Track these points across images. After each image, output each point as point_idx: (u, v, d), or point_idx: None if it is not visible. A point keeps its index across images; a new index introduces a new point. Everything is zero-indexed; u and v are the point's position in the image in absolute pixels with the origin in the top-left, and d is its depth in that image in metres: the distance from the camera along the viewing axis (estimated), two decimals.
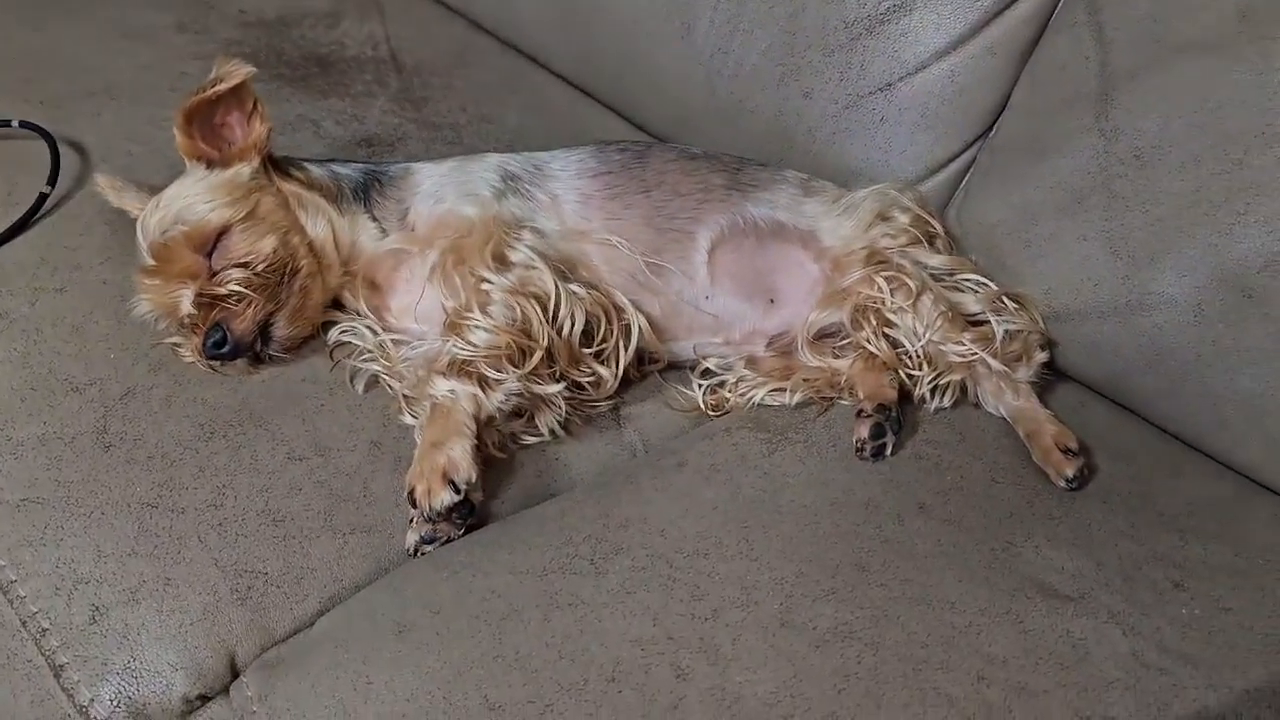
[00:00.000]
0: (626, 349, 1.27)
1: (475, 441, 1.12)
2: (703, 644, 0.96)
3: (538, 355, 1.19)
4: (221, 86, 1.21)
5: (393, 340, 1.27)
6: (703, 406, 1.33)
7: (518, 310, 1.19)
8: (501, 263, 1.22)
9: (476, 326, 1.18)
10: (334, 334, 1.29)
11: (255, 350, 1.22)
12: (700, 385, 1.34)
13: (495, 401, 1.16)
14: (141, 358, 1.22)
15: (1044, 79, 1.39)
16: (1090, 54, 1.31)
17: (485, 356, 1.17)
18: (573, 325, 1.22)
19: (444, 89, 1.80)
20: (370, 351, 1.27)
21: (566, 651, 0.95)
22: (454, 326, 1.19)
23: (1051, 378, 1.34)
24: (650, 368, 1.34)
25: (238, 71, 1.21)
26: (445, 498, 1.08)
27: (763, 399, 1.30)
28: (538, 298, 1.20)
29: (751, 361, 1.36)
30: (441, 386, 1.15)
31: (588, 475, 1.26)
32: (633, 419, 1.32)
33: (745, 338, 1.37)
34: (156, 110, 1.55)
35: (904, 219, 1.38)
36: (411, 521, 1.13)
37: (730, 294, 1.35)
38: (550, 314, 1.21)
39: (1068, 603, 1.03)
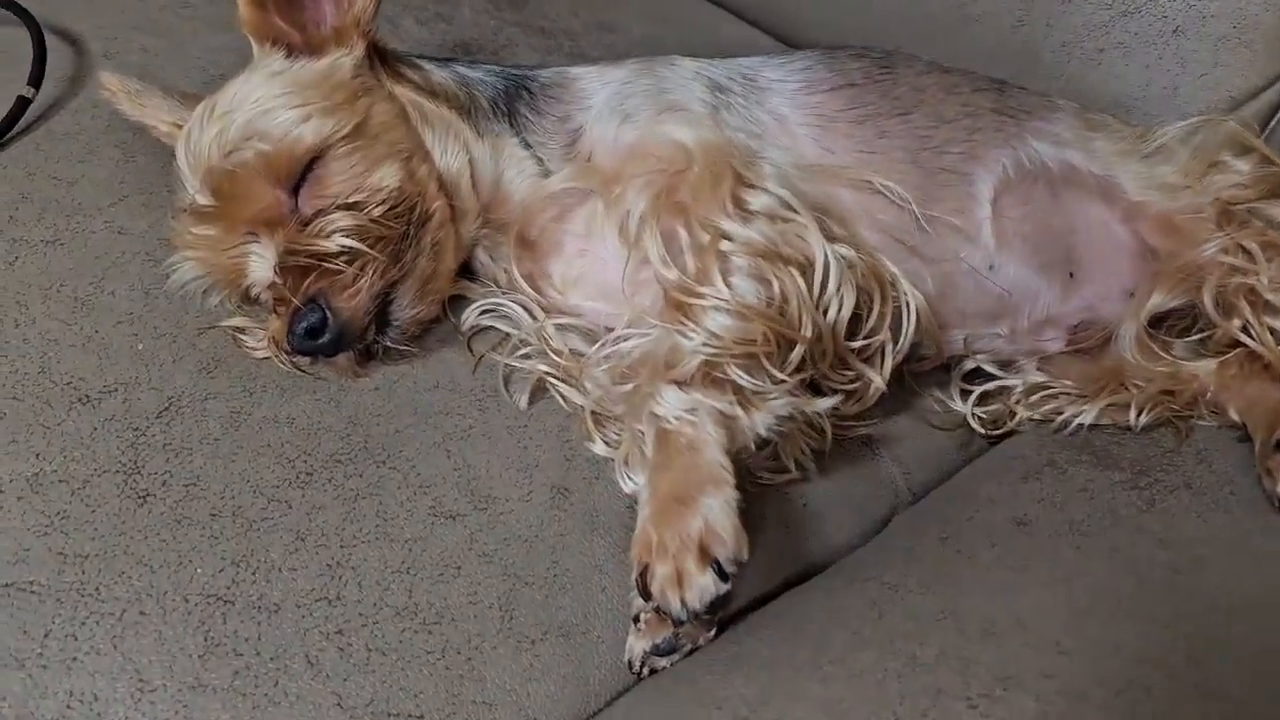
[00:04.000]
0: (899, 341, 0.86)
1: (739, 493, 0.71)
2: None
3: (799, 351, 0.78)
4: None
5: (557, 326, 0.85)
6: (973, 423, 0.95)
7: (774, 282, 0.77)
8: (742, 210, 0.80)
9: (717, 307, 0.76)
10: (471, 315, 0.87)
11: (366, 339, 0.79)
12: (967, 393, 0.96)
13: (761, 426, 0.75)
14: (186, 350, 0.80)
15: None
16: None
17: (737, 355, 0.75)
18: (840, 307, 0.81)
19: None
20: (528, 341, 0.85)
21: None
22: (680, 308, 0.77)
23: None
24: (917, 366, 0.93)
25: None
26: (706, 587, 0.67)
27: (1095, 419, 0.90)
28: (799, 264, 0.79)
29: (1046, 361, 0.96)
30: (675, 403, 0.74)
31: (849, 528, 0.87)
32: (887, 443, 0.93)
33: (1035, 326, 0.97)
34: None
35: (1244, 164, 0.98)
36: (637, 620, 0.72)
37: (1021, 263, 0.95)
38: (815, 289, 0.79)
39: None
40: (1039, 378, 0.96)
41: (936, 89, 0.98)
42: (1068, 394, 0.94)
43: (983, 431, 0.95)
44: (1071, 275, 0.96)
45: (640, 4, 1.42)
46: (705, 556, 0.68)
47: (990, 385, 0.96)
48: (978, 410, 0.96)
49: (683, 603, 0.67)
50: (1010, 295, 0.94)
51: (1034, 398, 0.95)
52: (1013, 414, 0.95)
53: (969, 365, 0.97)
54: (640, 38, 1.35)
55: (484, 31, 1.25)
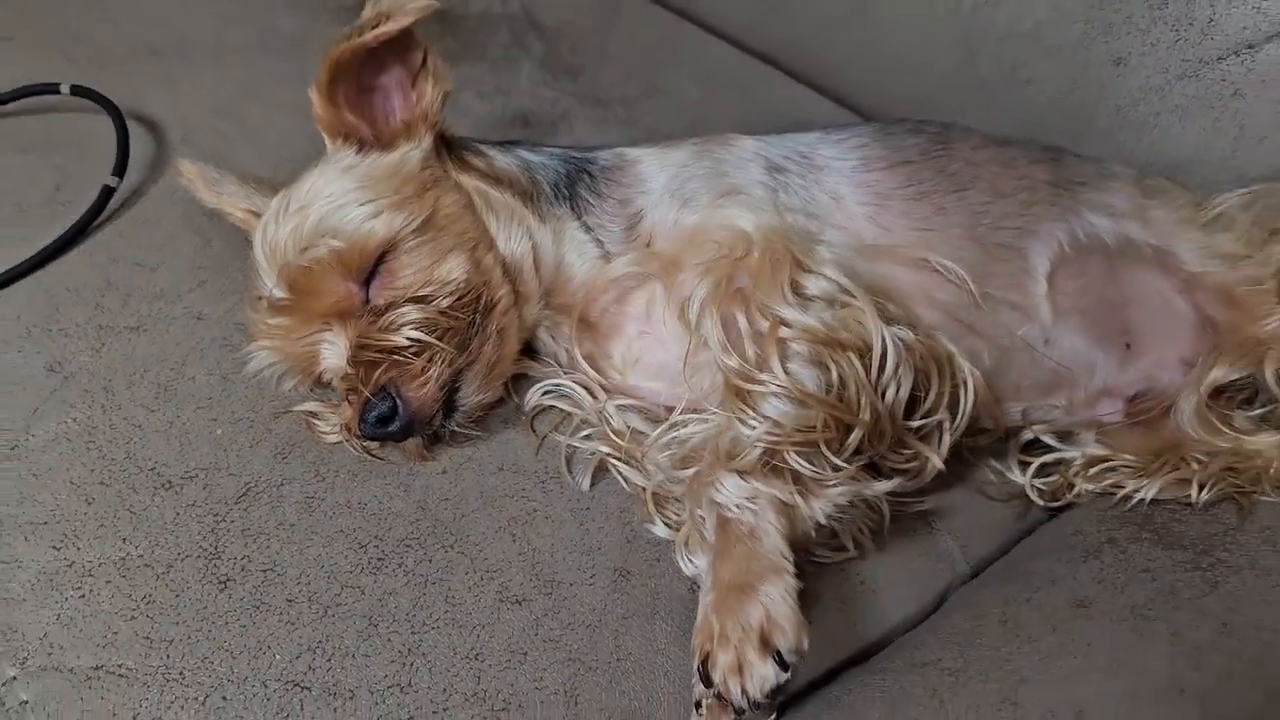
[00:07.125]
0: (956, 419, 0.87)
1: (798, 582, 0.72)
2: None
3: (857, 435, 0.79)
4: (388, 28, 0.81)
5: (618, 406, 0.87)
6: (1031, 494, 0.95)
7: (832, 368, 0.79)
8: (800, 296, 0.82)
9: (776, 393, 0.78)
10: (534, 395, 0.89)
11: (434, 425, 0.82)
12: (1025, 464, 0.96)
13: (820, 513, 0.76)
14: (262, 435, 0.83)
15: None
16: None
17: (797, 442, 0.77)
18: (898, 389, 0.82)
19: (598, 54, 1.43)
20: (590, 422, 0.87)
21: None
22: (740, 394, 0.79)
23: None
24: (974, 441, 0.94)
25: (410, 6, 0.81)
26: (767, 676, 0.69)
27: (1157, 494, 0.89)
28: (856, 349, 0.80)
29: (1105, 433, 0.96)
30: (735, 491, 0.76)
31: (906, 605, 0.87)
32: (942, 515, 0.93)
33: (1091, 398, 0.97)
34: (248, 75, 1.17)
35: None
36: (699, 706, 0.73)
37: (1078, 336, 0.95)
38: (872, 372, 0.81)
39: None
40: (1098, 450, 0.95)
41: (992, 163, 0.98)
42: (1129, 467, 0.93)
43: (1041, 503, 0.95)
44: (1128, 346, 0.96)
45: (691, 65, 1.43)
46: (766, 646, 0.69)
47: (1049, 457, 0.96)
48: (1036, 481, 0.95)
49: (743, 691, 0.69)
50: (1067, 369, 0.95)
51: (1093, 470, 0.94)
52: (1071, 486, 0.94)
53: (1027, 436, 0.97)
54: (694, 100, 1.37)
55: (541, 103, 1.28)
